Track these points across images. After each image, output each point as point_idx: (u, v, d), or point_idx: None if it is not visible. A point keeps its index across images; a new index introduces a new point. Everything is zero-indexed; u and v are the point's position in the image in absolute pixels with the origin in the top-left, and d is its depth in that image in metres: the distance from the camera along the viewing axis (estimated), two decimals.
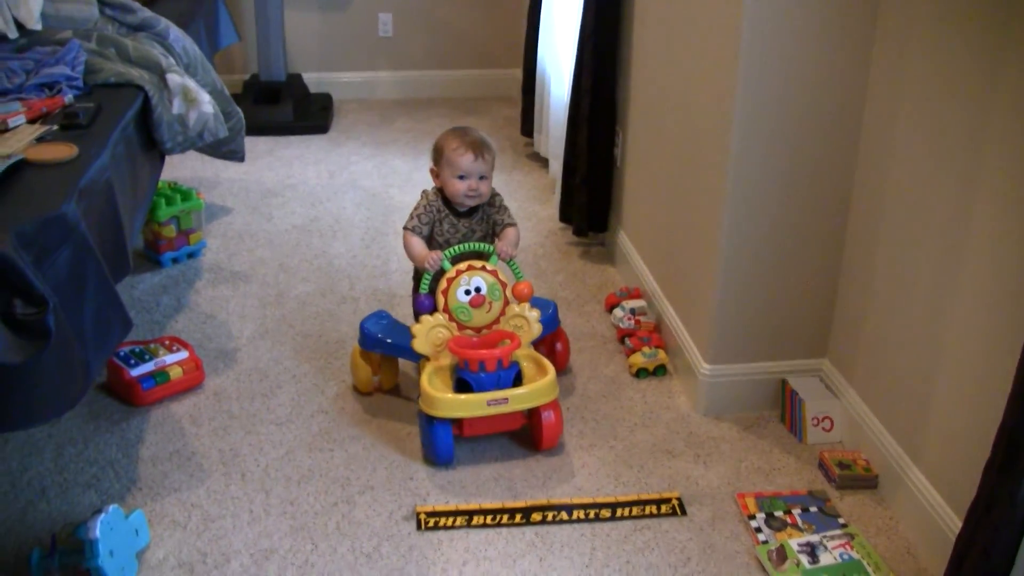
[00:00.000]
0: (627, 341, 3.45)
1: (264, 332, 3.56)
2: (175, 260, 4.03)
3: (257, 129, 5.22)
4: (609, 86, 3.95)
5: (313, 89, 5.96)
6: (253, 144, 5.05)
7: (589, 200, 4.09)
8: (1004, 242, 2.24)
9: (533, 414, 2.91)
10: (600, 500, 2.75)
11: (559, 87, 4.51)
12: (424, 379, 2.85)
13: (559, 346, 3.32)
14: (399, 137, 5.55)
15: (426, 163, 5.09)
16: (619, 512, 2.71)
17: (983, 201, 2.31)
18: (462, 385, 2.86)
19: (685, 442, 3.01)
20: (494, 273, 2.98)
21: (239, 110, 3.85)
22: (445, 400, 2.79)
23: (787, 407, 3.08)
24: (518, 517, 2.69)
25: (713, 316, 3.03)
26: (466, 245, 3.01)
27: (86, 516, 2.42)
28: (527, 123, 5.22)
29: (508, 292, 3.00)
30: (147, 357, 3.17)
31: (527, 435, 2.98)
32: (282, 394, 3.20)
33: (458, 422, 2.87)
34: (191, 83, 3.25)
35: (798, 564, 2.51)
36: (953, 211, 2.42)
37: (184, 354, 3.23)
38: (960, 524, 2.18)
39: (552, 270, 4.04)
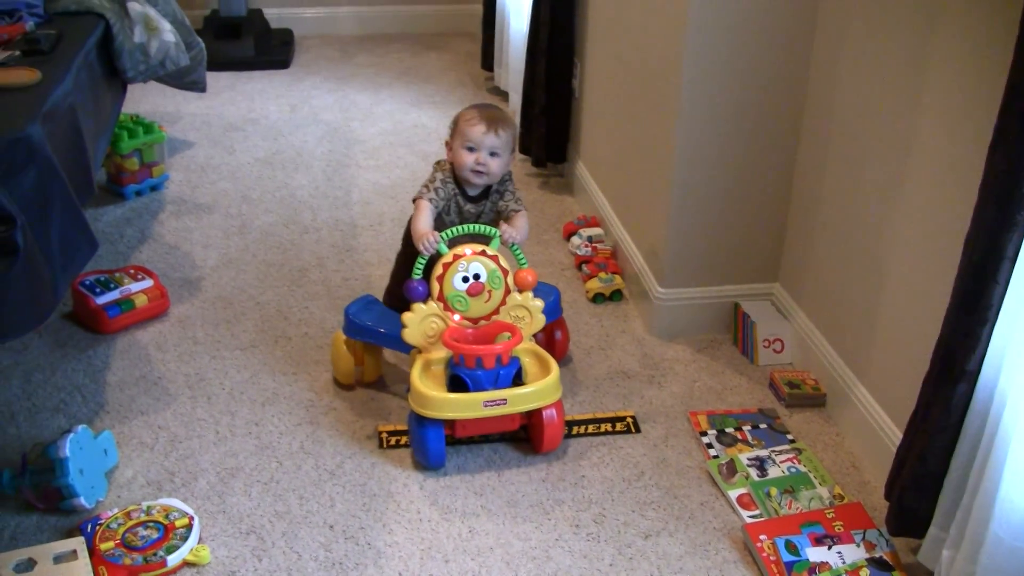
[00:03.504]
0: (584, 268, 3.52)
1: (228, 261, 3.60)
2: (138, 193, 4.05)
3: (218, 64, 5.22)
4: (567, 18, 3.99)
5: (274, 24, 5.95)
6: (214, 79, 5.04)
7: (548, 131, 4.14)
8: (942, 169, 2.32)
9: (534, 414, 2.65)
10: None
11: (518, 20, 4.53)
12: (415, 374, 2.60)
13: (559, 334, 3.04)
14: (360, 72, 5.57)
15: (387, 97, 5.17)
16: (575, 430, 2.79)
17: (924, 129, 2.38)
18: (457, 382, 2.59)
19: (640, 364, 3.09)
20: (495, 259, 2.70)
21: (200, 40, 3.86)
22: (437, 399, 2.53)
23: (739, 329, 3.16)
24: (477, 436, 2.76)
25: (667, 241, 3.10)
26: (466, 227, 2.72)
27: (55, 438, 2.47)
28: (488, 57, 5.24)
29: (510, 280, 2.72)
30: (112, 286, 3.21)
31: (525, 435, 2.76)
32: (246, 320, 3.26)
33: (450, 422, 2.61)
34: (152, 12, 3.27)
35: (747, 477, 2.61)
36: (896, 138, 2.49)
37: (149, 282, 3.27)
38: (901, 438, 2.28)
39: None
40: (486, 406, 2.55)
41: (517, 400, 2.58)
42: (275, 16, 6.01)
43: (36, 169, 2.19)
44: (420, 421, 2.58)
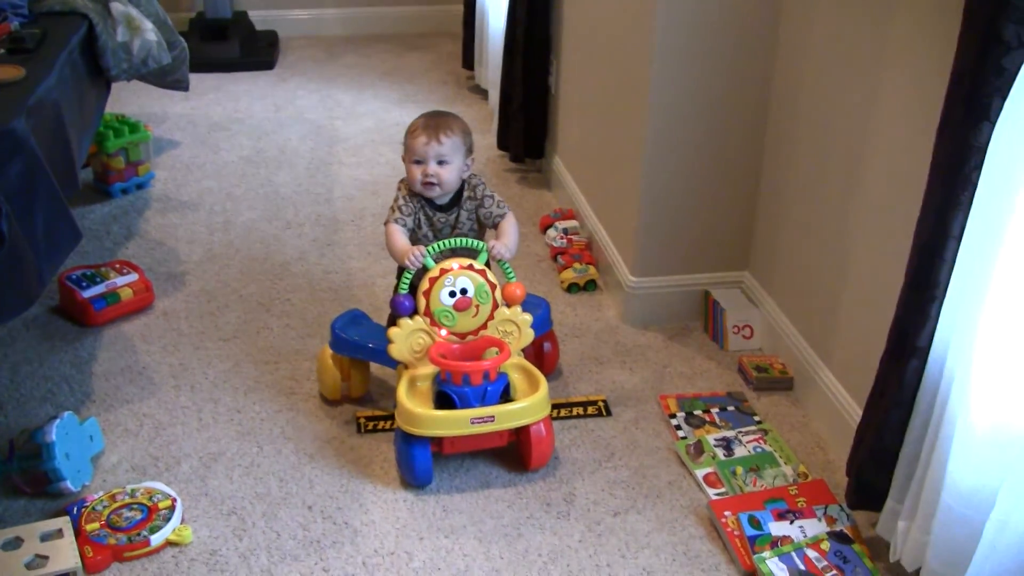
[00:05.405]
0: (559, 259, 3.60)
1: (211, 256, 3.68)
2: (124, 191, 4.12)
3: (204, 66, 5.29)
4: (543, 16, 4.06)
5: (259, 26, 6.01)
6: (200, 80, 5.12)
7: (525, 127, 4.22)
8: (900, 158, 2.39)
9: (522, 430, 2.59)
10: None
11: (497, 20, 4.60)
12: (401, 391, 2.56)
13: (548, 346, 3.01)
14: (344, 72, 5.64)
15: (371, 96, 5.24)
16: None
17: (882, 121, 2.45)
18: (443, 399, 2.54)
19: (612, 350, 3.17)
20: (482, 273, 2.64)
21: (182, 40, 3.92)
22: (424, 416, 2.49)
23: (709, 317, 3.24)
24: None
25: (638, 232, 3.18)
26: (452, 240, 2.68)
27: (42, 423, 2.53)
28: (468, 56, 5.32)
29: (497, 294, 2.67)
30: (98, 280, 3.28)
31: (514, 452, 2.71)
32: (229, 313, 3.33)
33: (438, 439, 2.56)
34: (134, 12, 3.35)
35: (714, 457, 2.69)
36: (856, 130, 2.57)
37: (134, 276, 3.34)
38: (861, 415, 2.36)
39: None
40: (474, 423, 2.51)
41: (505, 417, 2.53)
42: (260, 18, 6.08)
43: (21, 161, 2.27)
44: (406, 438, 2.54)
